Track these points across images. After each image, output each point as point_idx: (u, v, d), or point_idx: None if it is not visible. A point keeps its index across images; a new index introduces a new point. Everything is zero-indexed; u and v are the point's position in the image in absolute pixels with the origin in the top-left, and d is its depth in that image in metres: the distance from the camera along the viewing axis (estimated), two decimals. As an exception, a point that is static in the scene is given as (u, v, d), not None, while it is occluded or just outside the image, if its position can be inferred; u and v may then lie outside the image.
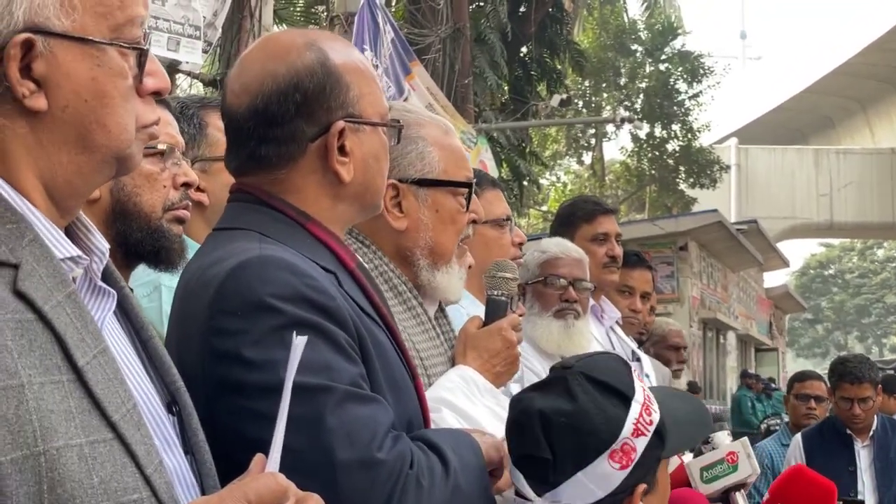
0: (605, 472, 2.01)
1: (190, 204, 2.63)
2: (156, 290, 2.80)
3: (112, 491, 1.33)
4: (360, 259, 2.50)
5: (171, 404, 1.59)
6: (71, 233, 1.54)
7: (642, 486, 2.06)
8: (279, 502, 1.34)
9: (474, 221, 2.82)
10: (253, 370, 1.84)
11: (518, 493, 2.10)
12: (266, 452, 1.42)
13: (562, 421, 2.01)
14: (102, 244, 1.56)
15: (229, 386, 1.86)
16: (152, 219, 2.48)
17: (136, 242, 2.47)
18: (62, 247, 1.46)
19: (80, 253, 1.48)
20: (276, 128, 2.06)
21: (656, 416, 2.09)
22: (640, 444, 2.04)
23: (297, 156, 2.09)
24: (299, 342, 1.42)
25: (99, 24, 1.44)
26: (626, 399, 2.06)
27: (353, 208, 2.18)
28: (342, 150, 2.10)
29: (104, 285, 1.54)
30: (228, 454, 1.65)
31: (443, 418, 2.40)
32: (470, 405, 2.48)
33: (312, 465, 1.79)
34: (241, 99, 2.09)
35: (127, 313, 1.62)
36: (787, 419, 8.42)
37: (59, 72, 1.42)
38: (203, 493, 1.56)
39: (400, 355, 2.14)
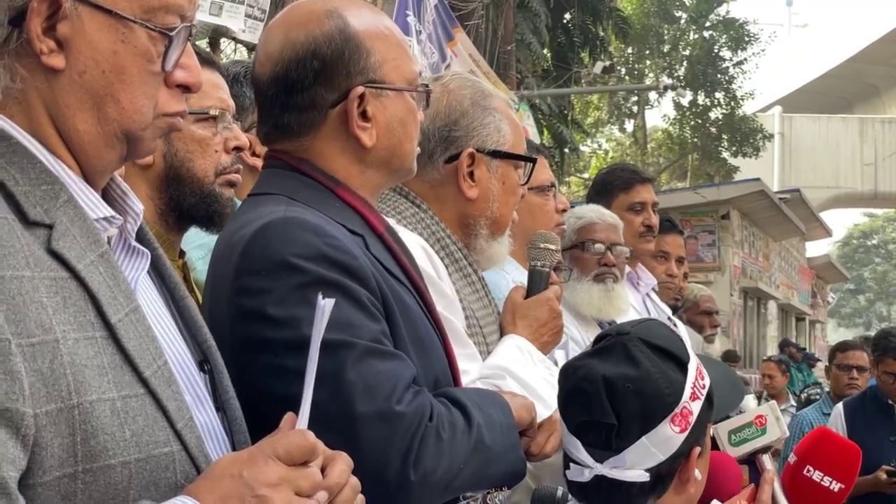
0: (667, 436, 2.04)
1: (241, 167, 2.67)
2: (209, 253, 2.83)
3: (143, 444, 1.38)
4: (417, 224, 2.53)
5: (203, 362, 1.63)
6: (106, 195, 1.57)
7: (698, 449, 2.10)
8: (307, 459, 1.38)
9: None
10: (278, 327, 1.88)
11: (574, 461, 2.12)
12: (293, 408, 1.45)
13: (627, 386, 2.04)
14: (137, 205, 1.59)
15: (256, 343, 1.90)
16: (205, 183, 2.53)
17: (190, 207, 2.52)
18: (96, 207, 1.49)
19: (113, 213, 1.51)
20: (297, 95, 2.09)
21: (707, 381, 2.14)
22: (696, 407, 2.08)
23: (319, 122, 2.12)
24: (326, 304, 1.44)
25: (131, 2, 1.47)
26: (682, 364, 2.10)
27: (382, 173, 2.20)
28: (364, 116, 2.12)
29: (138, 245, 1.57)
30: (258, 411, 1.69)
31: (508, 385, 2.44)
32: (528, 375, 2.52)
33: (333, 417, 1.82)
34: (265, 67, 2.12)
35: (161, 273, 1.66)
36: (827, 389, 8.40)
37: (82, 37, 1.44)
38: (233, 448, 1.60)
39: (429, 317, 2.16)
